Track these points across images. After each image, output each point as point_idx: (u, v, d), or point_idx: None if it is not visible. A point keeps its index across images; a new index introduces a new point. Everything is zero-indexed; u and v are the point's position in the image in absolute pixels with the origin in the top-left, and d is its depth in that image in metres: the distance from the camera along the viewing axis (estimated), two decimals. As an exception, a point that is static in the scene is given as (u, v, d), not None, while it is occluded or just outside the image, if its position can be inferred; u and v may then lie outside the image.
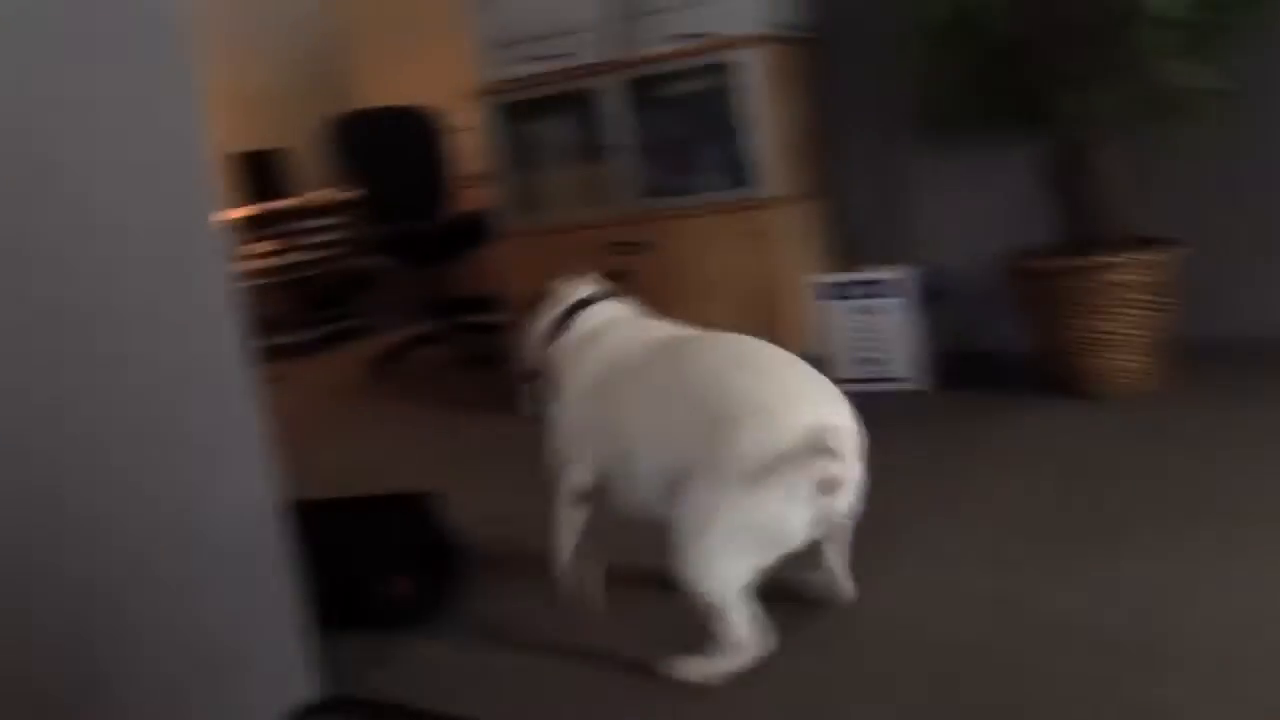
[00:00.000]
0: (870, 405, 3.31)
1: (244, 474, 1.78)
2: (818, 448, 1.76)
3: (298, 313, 6.59)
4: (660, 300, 3.50)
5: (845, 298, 3.49)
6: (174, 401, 1.67)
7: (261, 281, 6.37)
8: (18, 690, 1.45)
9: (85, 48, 1.57)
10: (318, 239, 6.72)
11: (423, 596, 2.21)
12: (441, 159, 5.68)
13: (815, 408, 1.87)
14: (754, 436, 1.79)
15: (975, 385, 3.39)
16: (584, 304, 2.26)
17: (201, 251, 1.75)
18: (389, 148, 5.50)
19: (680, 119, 3.62)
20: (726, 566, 1.81)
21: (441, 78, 5.49)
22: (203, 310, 1.74)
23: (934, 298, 3.64)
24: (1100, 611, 1.86)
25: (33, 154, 1.49)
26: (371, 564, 2.17)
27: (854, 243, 3.85)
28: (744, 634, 1.84)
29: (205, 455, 1.72)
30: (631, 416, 2.00)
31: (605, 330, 2.19)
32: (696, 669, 1.85)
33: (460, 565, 2.32)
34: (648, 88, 3.58)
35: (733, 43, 3.36)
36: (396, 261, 5.72)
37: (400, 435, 3.94)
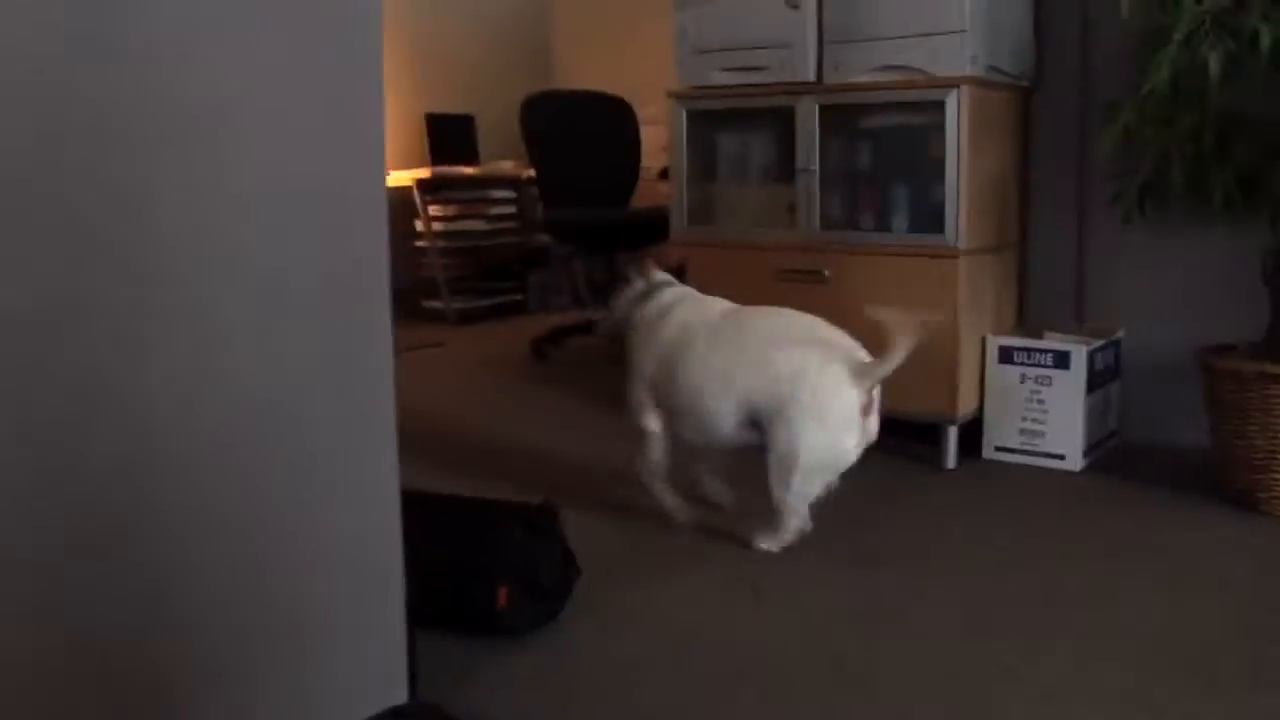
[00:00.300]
0: (1018, 479, 3.23)
1: (369, 455, 1.74)
2: (861, 381, 2.55)
3: (469, 280, 6.64)
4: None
5: (1019, 362, 3.32)
6: (306, 376, 1.63)
7: (439, 244, 6.43)
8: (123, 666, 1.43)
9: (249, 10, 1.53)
10: (497, 210, 6.76)
11: (527, 609, 2.15)
12: (630, 149, 5.63)
13: (852, 352, 2.59)
14: (820, 384, 2.54)
15: (1139, 478, 3.19)
16: (661, 284, 2.90)
17: (363, 222, 1.70)
18: (578, 130, 5.47)
19: (876, 153, 3.48)
20: (810, 487, 2.58)
21: (642, 68, 5.46)
22: (351, 286, 1.69)
23: (1112, 377, 3.44)
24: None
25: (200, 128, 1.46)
26: (480, 571, 2.12)
27: (1039, 307, 3.67)
28: (802, 523, 2.60)
29: (333, 432, 1.67)
30: (701, 368, 2.65)
31: (677, 302, 2.83)
32: (771, 541, 2.62)
33: (571, 580, 2.25)
34: (847, 116, 3.44)
35: (942, 82, 3.21)
36: (572, 245, 5.71)
37: (542, 422, 3.90)
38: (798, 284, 3.45)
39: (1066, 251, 3.61)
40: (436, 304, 6.48)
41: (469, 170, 6.60)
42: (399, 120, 6.72)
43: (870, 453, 3.46)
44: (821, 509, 2.63)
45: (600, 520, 2.87)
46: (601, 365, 3.19)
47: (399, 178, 6.43)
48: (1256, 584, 2.43)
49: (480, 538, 2.15)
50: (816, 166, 3.44)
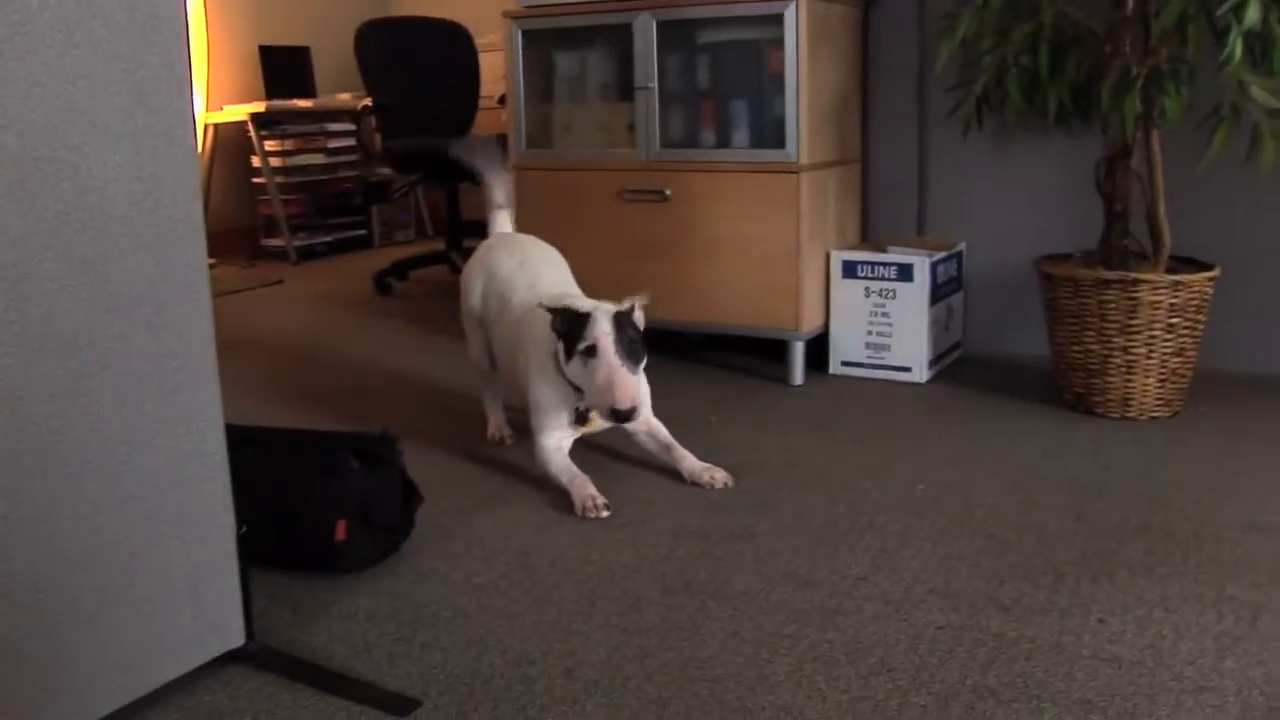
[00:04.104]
0: (866, 393, 3.25)
1: (188, 392, 1.64)
2: None
3: (309, 216, 6.45)
4: (671, 255, 3.37)
5: (863, 276, 3.33)
6: (118, 312, 1.52)
7: (277, 180, 6.23)
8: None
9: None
10: (336, 144, 6.57)
11: (368, 542, 2.08)
12: (469, 78, 5.50)
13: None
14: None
15: (982, 388, 3.24)
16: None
17: (172, 154, 1.59)
18: (415, 59, 5.31)
19: (715, 69, 3.43)
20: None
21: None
22: (163, 219, 1.58)
23: (955, 289, 3.48)
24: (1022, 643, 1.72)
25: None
26: (316, 504, 2.04)
27: (881, 222, 3.69)
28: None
29: (149, 370, 1.57)
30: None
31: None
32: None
33: (412, 512, 2.18)
34: (684, 31, 3.39)
35: (779, -6, 3.18)
36: (412, 177, 5.57)
37: (379, 355, 3.80)
38: (640, 204, 3.41)
39: (907, 165, 3.62)
40: (277, 242, 6.29)
41: (304, 103, 6.39)
42: (231, 54, 6.48)
43: (716, 371, 3.48)
44: (669, 426, 2.61)
45: (444, 448, 2.81)
46: (447, 296, 3.10)
47: (233, 113, 6.21)
48: (1090, 481, 2.48)
49: (315, 470, 2.06)
50: (655, 84, 3.38)
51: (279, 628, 1.89)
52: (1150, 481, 2.47)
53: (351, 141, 6.61)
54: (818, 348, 3.41)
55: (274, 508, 2.00)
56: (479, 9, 5.61)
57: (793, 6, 3.15)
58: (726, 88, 3.41)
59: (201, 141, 6.26)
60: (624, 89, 3.50)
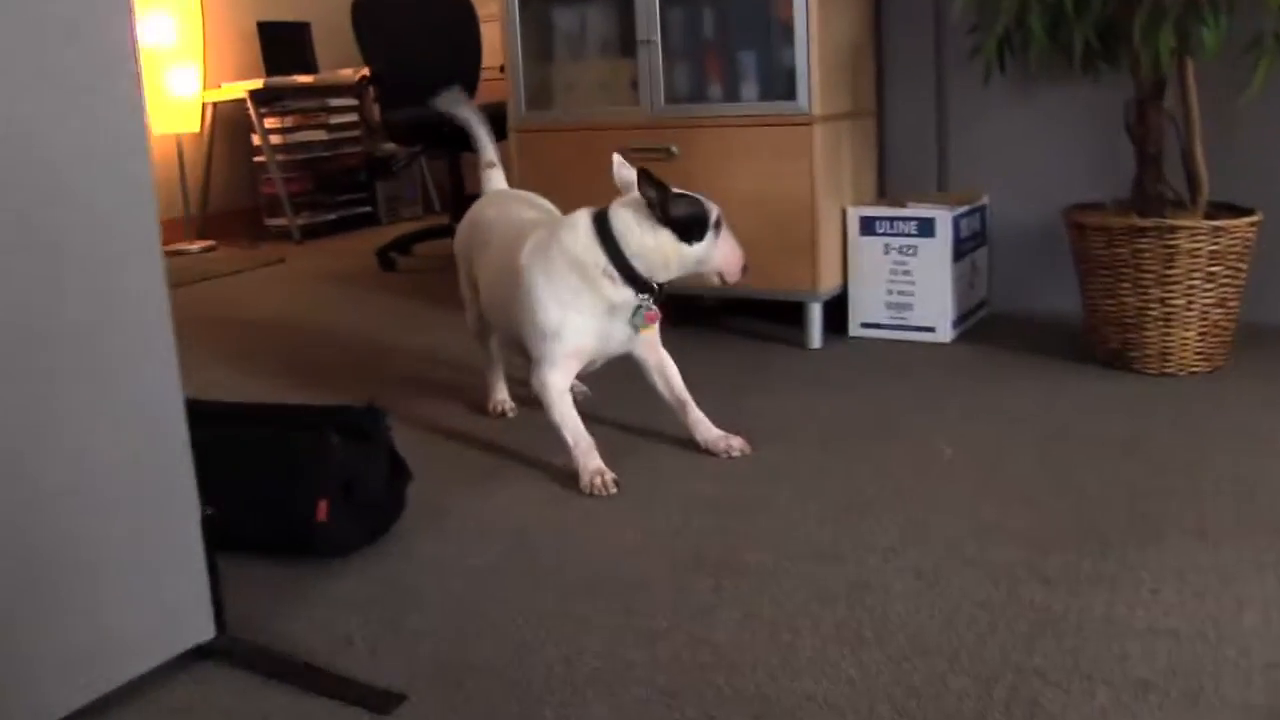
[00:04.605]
0: (888, 355, 3.09)
1: (143, 367, 1.49)
2: None
3: (313, 194, 6.30)
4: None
5: (882, 233, 3.16)
6: (68, 288, 1.38)
7: (278, 158, 6.08)
8: None
9: None
10: (338, 120, 6.42)
11: (353, 523, 1.92)
12: (471, 47, 5.33)
13: None
14: None
15: (1010, 347, 3.07)
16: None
17: (121, 130, 1.45)
18: (415, 27, 5.15)
19: (720, 18, 3.26)
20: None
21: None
22: (116, 195, 1.44)
23: (979, 245, 3.31)
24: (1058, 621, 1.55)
25: None
26: (295, 483, 1.89)
27: (899, 176, 3.51)
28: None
29: (100, 346, 1.43)
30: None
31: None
32: None
33: (402, 490, 2.03)
34: (687, -21, 3.22)
35: (784, -65, 3.00)
36: (413, 147, 5.41)
37: (378, 330, 3.65)
38: (645, 162, 3.19)
39: (925, 116, 3.45)
40: (281, 222, 6.15)
41: (305, 79, 6.22)
42: (230, 31, 6.33)
43: (731, 336, 3.31)
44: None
45: (443, 422, 2.66)
46: (451, 270, 2.97)
47: (231, 90, 6.05)
48: (1131, 441, 2.31)
49: (293, 447, 1.90)
50: (658, 37, 3.21)
51: (255, 618, 1.73)
52: (1194, 440, 2.30)
53: (354, 117, 6.45)
54: (836, 309, 3.24)
55: (250, 488, 1.85)
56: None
57: (801, -52, 2.97)
58: (733, 38, 3.24)
59: (200, 121, 6.12)
60: (626, 44, 3.33)
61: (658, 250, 2.23)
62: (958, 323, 3.18)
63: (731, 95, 3.21)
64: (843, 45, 3.18)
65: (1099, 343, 2.86)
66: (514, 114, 3.52)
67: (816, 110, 3.03)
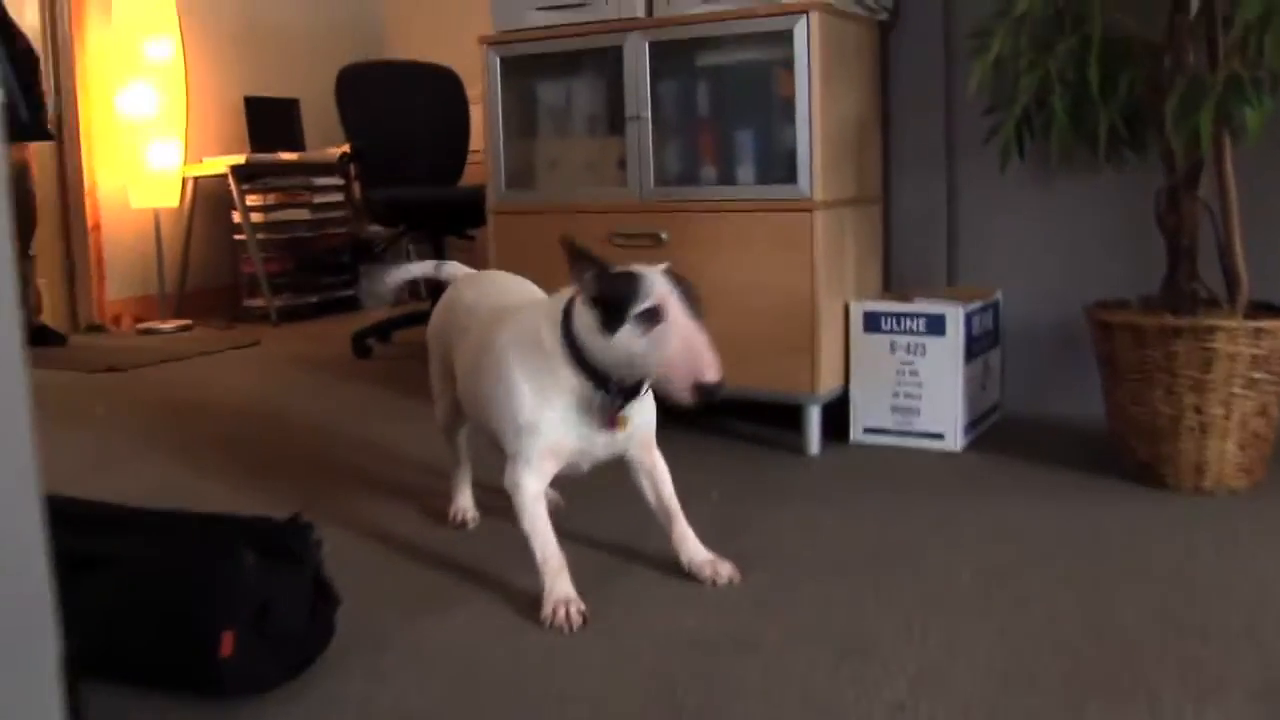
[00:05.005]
0: (893, 464, 2.82)
1: None
2: None
3: (292, 275, 6.07)
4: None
5: (888, 330, 2.90)
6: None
7: (258, 236, 5.86)
8: None
9: None
10: (322, 199, 6.21)
11: (264, 657, 1.64)
12: (459, 126, 5.14)
13: None
14: None
15: (1026, 456, 2.80)
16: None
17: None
18: (400, 104, 4.96)
19: (716, 95, 3.04)
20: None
21: (477, 52, 4.97)
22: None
23: (992, 344, 3.05)
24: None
25: None
26: (195, 610, 1.60)
27: (906, 268, 3.27)
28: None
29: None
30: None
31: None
32: None
33: (327, 618, 1.75)
34: (681, 53, 2.99)
35: (787, 9, 2.78)
36: (397, 231, 5.19)
37: (340, 422, 3.38)
38: (632, 249, 2.98)
39: (935, 204, 3.21)
40: (259, 302, 5.92)
41: (289, 156, 6.03)
42: (214, 105, 6.16)
43: (722, 439, 3.05)
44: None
45: (395, 531, 2.38)
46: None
47: (213, 165, 5.86)
48: (1174, 571, 2.03)
49: (195, 567, 1.62)
50: (649, 114, 2.98)
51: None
52: (1245, 570, 2.02)
53: (340, 197, 6.24)
54: (837, 412, 2.97)
55: (144, 612, 1.57)
56: (473, 59, 5.24)
57: (803, 21, 2.76)
58: (729, 116, 3.01)
59: (180, 195, 5.92)
60: (614, 121, 3.10)
61: (592, 340, 1.90)
62: (969, 429, 2.91)
63: (727, 177, 2.98)
64: (847, 125, 2.96)
65: (1126, 454, 2.60)
66: (493, 193, 3.28)
67: (818, 195, 2.79)
